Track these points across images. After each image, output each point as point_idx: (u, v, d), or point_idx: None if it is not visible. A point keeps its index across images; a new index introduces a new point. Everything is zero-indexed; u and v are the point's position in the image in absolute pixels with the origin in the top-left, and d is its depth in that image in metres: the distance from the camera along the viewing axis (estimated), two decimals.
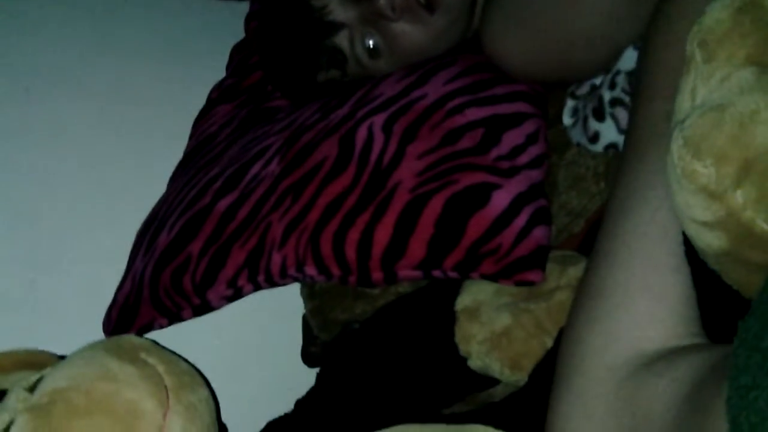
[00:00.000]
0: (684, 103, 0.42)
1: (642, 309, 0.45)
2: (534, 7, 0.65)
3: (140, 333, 0.74)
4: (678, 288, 0.45)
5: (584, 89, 0.70)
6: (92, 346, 0.56)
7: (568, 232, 0.69)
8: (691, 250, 0.45)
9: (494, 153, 0.65)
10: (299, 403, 0.71)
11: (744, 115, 0.38)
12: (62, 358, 0.59)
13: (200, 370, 0.63)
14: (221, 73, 0.94)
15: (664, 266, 0.46)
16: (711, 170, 0.39)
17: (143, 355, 0.55)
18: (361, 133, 0.69)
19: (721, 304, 0.45)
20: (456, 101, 0.68)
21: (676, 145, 0.40)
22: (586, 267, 0.50)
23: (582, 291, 0.49)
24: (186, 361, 0.60)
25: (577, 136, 0.69)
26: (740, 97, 0.38)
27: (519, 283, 0.61)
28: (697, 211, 0.40)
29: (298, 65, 0.77)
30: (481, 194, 0.63)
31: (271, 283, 0.70)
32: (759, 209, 0.38)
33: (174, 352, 0.60)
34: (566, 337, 0.49)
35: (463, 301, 0.64)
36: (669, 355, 0.43)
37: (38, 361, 0.59)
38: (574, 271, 0.61)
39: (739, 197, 0.39)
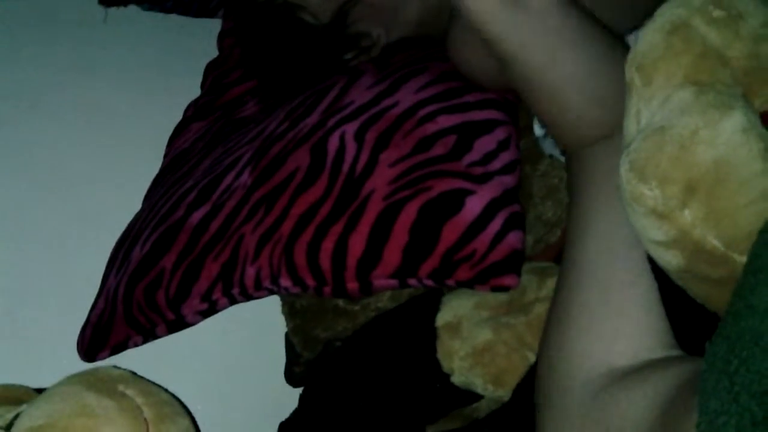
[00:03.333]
0: (630, 126, 0.43)
1: (607, 326, 0.46)
2: None
3: (114, 351, 0.73)
4: (640, 301, 0.46)
5: None
6: (69, 380, 0.56)
7: (545, 243, 0.69)
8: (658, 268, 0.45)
9: (467, 159, 0.63)
10: (283, 426, 0.69)
11: (684, 137, 0.38)
12: (39, 391, 0.58)
13: (181, 398, 0.60)
14: (196, 91, 0.90)
15: (621, 282, 0.47)
16: (656, 192, 0.40)
17: (121, 388, 0.54)
18: (333, 142, 0.66)
19: (692, 316, 0.45)
20: (427, 109, 0.66)
21: (623, 169, 0.41)
22: (554, 292, 0.52)
23: (551, 316, 0.51)
24: (166, 390, 0.59)
25: (548, 147, 0.68)
26: (680, 118, 0.39)
27: (495, 289, 0.59)
28: (651, 232, 0.41)
29: (283, 45, 0.76)
30: (455, 200, 0.61)
31: (246, 296, 0.67)
32: (708, 227, 0.39)
33: (153, 382, 0.59)
34: (541, 360, 0.50)
35: (444, 317, 0.64)
36: (641, 369, 0.44)
37: (14, 396, 0.58)
38: (553, 283, 0.60)
39: (687, 216, 0.39)
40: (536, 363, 0.57)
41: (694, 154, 0.38)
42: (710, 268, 0.40)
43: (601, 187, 0.50)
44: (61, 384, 0.55)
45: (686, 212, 0.39)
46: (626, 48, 0.49)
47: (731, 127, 0.38)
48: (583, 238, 0.50)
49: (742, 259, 0.39)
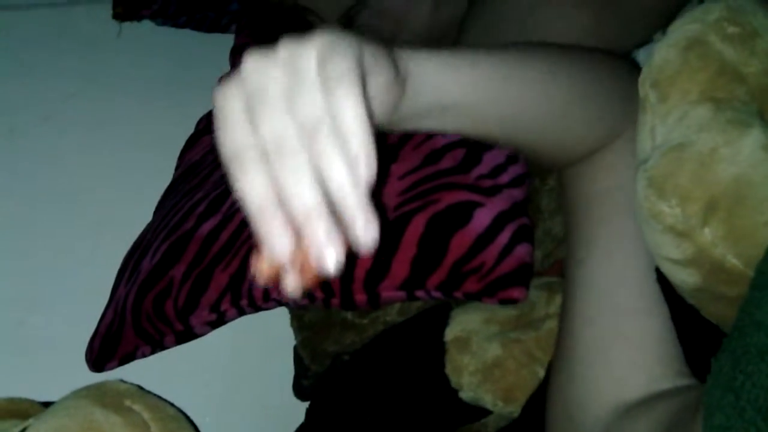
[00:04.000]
0: (645, 142, 0.42)
1: (618, 359, 0.45)
2: (504, 29, 0.64)
3: (123, 362, 0.72)
4: (651, 330, 0.45)
5: None
6: (76, 395, 0.55)
7: (554, 258, 0.68)
8: (669, 286, 0.44)
9: (476, 172, 0.62)
10: None
11: (704, 154, 0.38)
12: (46, 405, 0.58)
13: (188, 410, 0.59)
14: (208, 105, 0.90)
15: (632, 311, 0.46)
16: (677, 210, 0.39)
17: (128, 403, 0.54)
18: None
19: (704, 338, 0.44)
20: None
21: (641, 185, 0.40)
22: (559, 324, 0.50)
23: (559, 350, 0.49)
24: (172, 405, 0.59)
25: None
26: (699, 134, 0.38)
27: (503, 301, 0.58)
28: (668, 249, 0.40)
29: None
30: (464, 212, 0.60)
31: (255, 308, 0.66)
32: (728, 245, 0.38)
33: (160, 397, 0.57)
34: (552, 386, 0.49)
35: (453, 332, 0.63)
36: (649, 400, 0.43)
37: (21, 410, 0.58)
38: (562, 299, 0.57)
39: (707, 235, 0.38)
40: (546, 380, 0.56)
41: (715, 172, 0.37)
42: (727, 286, 0.40)
43: (602, 209, 0.49)
44: (67, 398, 0.54)
45: (706, 230, 0.38)
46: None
47: (751, 145, 0.37)
48: (589, 261, 0.48)
49: None
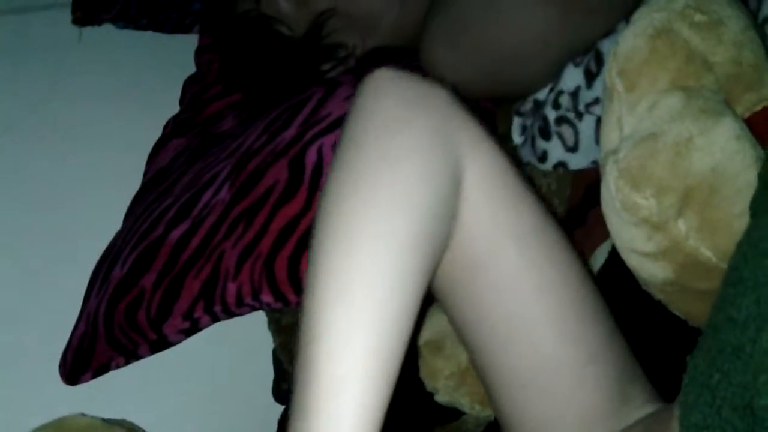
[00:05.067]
0: (611, 133, 0.40)
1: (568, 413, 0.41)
2: (465, 26, 0.62)
3: (97, 374, 0.70)
4: (601, 376, 0.41)
5: (528, 105, 0.67)
6: None
7: None
8: (632, 283, 0.42)
9: None
10: None
11: (679, 144, 0.36)
12: None
13: (167, 416, 0.56)
14: (174, 107, 0.88)
15: (569, 367, 0.41)
16: (651, 201, 0.37)
17: None
18: (311, 156, 0.64)
19: (669, 335, 0.43)
20: None
21: (611, 176, 0.38)
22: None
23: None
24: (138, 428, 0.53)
25: (527, 155, 0.67)
26: (671, 124, 0.37)
27: None
28: (639, 242, 0.39)
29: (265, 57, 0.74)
30: None
31: (229, 314, 0.64)
32: (702, 237, 0.37)
33: (125, 422, 0.53)
34: None
35: (425, 335, 0.61)
36: None
37: None
38: None
39: (681, 226, 0.37)
40: None
41: (691, 162, 0.36)
42: (700, 280, 0.39)
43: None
44: None
45: (680, 222, 0.37)
46: None
47: (725, 134, 0.36)
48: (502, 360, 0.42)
49: None
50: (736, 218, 0.36)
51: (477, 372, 0.44)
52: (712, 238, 0.37)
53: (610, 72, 0.41)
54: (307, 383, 0.34)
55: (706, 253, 0.37)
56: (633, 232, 0.39)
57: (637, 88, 0.39)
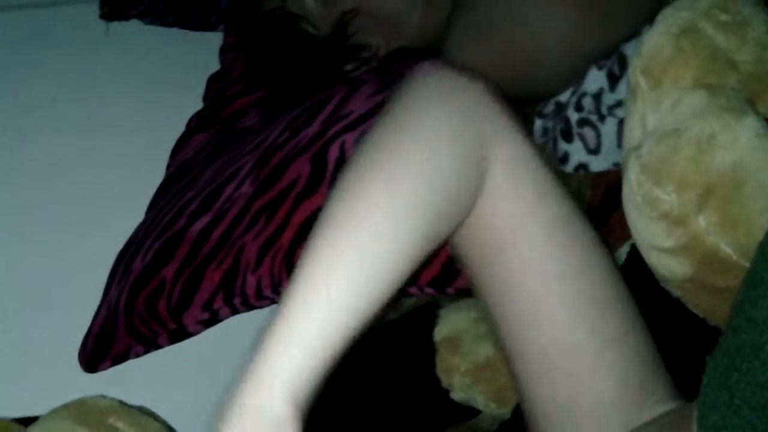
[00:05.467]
0: (634, 129, 0.41)
1: (591, 398, 0.41)
2: (489, 27, 0.62)
3: (116, 362, 0.70)
4: (626, 358, 0.41)
5: (549, 107, 0.67)
6: (57, 414, 0.53)
7: None
8: (652, 283, 0.43)
9: None
10: None
11: (701, 140, 0.37)
12: (25, 422, 0.55)
13: (177, 410, 0.57)
14: (198, 103, 0.88)
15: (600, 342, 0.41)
16: (673, 196, 0.38)
17: (111, 420, 0.52)
18: (333, 152, 0.64)
19: (689, 335, 0.43)
20: None
21: (633, 172, 0.39)
22: None
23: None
24: (156, 418, 0.57)
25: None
26: (694, 121, 0.37)
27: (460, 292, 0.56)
28: (659, 238, 0.39)
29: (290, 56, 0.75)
30: None
31: (248, 306, 0.65)
32: (722, 233, 0.37)
33: (143, 411, 0.56)
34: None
35: (442, 331, 0.61)
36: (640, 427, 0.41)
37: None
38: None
39: (701, 222, 0.37)
40: None
41: (713, 158, 0.36)
42: (718, 276, 0.39)
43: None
44: (48, 419, 0.52)
45: (701, 218, 0.37)
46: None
47: (747, 132, 0.36)
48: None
49: None
50: (757, 215, 0.36)
51: (505, 353, 0.44)
52: (733, 235, 0.37)
53: (635, 70, 0.41)
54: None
55: (726, 249, 0.37)
56: (653, 228, 0.39)
57: (661, 86, 0.39)
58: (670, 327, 0.44)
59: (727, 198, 0.37)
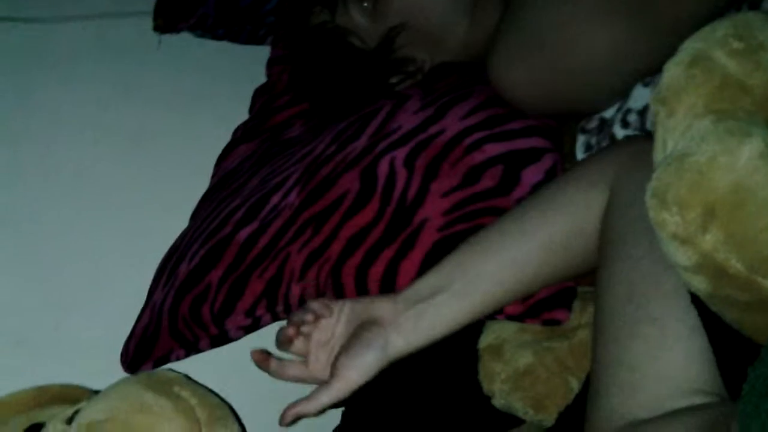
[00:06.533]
0: (658, 155, 0.43)
1: (623, 380, 0.46)
2: (535, 43, 0.64)
3: (157, 364, 0.73)
4: (654, 351, 0.45)
5: (593, 123, 0.68)
6: (127, 380, 0.57)
7: None
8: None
9: (516, 194, 0.64)
10: None
11: (701, 163, 0.39)
12: (96, 393, 0.59)
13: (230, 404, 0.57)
14: (244, 114, 0.90)
15: (663, 320, 0.45)
16: (677, 218, 0.40)
17: (177, 389, 0.56)
18: (383, 168, 0.65)
19: (729, 344, 0.45)
20: (474, 137, 0.67)
21: (647, 196, 0.41)
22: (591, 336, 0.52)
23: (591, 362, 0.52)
24: (217, 395, 0.60)
25: None
26: (699, 145, 0.40)
27: (546, 323, 0.60)
28: (677, 257, 0.41)
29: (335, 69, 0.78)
30: None
31: (290, 314, 0.64)
32: (730, 250, 0.39)
33: (206, 387, 0.60)
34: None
35: (486, 339, 0.63)
36: (662, 418, 0.43)
37: (73, 396, 0.59)
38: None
39: (709, 241, 0.39)
40: (582, 391, 0.55)
41: (712, 179, 0.39)
42: (737, 292, 0.41)
43: (636, 226, 0.49)
44: (118, 383, 0.56)
45: (707, 237, 0.39)
46: None
47: (749, 153, 0.38)
48: (622, 274, 0.49)
49: (766, 282, 0.39)
50: (761, 232, 0.38)
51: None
52: (740, 251, 0.39)
53: (655, 101, 0.44)
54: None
55: (736, 265, 0.39)
56: (669, 248, 0.42)
57: (676, 113, 0.42)
58: (715, 338, 0.45)
59: (730, 217, 0.39)
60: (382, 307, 0.55)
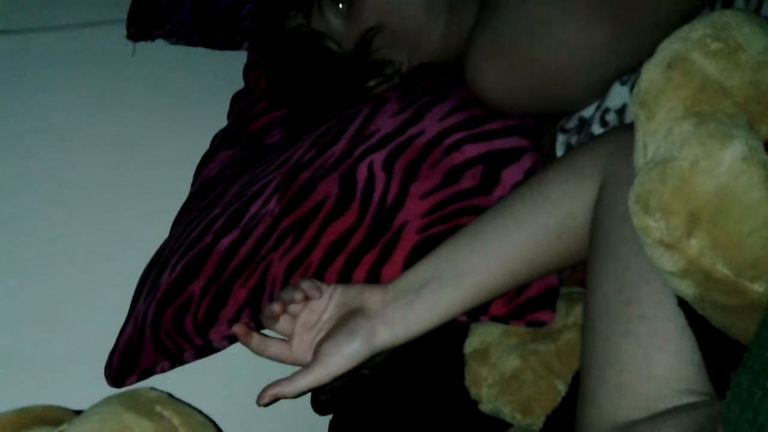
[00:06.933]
0: (639, 159, 0.43)
1: (612, 382, 0.46)
2: (512, 43, 0.64)
3: (142, 377, 0.73)
4: (673, 337, 0.44)
5: (573, 122, 0.68)
6: (107, 401, 0.56)
7: (571, 268, 0.67)
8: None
9: (497, 193, 0.62)
10: None
11: (684, 168, 0.39)
12: (78, 413, 0.58)
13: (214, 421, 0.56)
14: (222, 121, 0.88)
15: (652, 318, 0.45)
16: (661, 224, 0.39)
17: (158, 408, 0.54)
18: (362, 172, 0.64)
19: (721, 345, 0.44)
20: (453, 138, 0.66)
21: (630, 201, 0.41)
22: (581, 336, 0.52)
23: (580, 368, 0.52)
24: (200, 412, 0.59)
25: None
26: (681, 149, 0.39)
27: (530, 324, 0.58)
28: (662, 262, 0.41)
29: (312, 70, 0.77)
30: None
31: None
32: (716, 255, 0.39)
33: (188, 404, 0.59)
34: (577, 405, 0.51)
35: (472, 344, 0.63)
36: (653, 418, 0.43)
37: (54, 417, 0.58)
38: (580, 309, 0.58)
39: (694, 246, 0.39)
40: (569, 394, 0.56)
41: (695, 184, 0.38)
42: (724, 296, 0.40)
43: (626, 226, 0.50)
44: (99, 405, 0.55)
45: (693, 242, 0.39)
46: None
47: (731, 156, 0.38)
48: (611, 272, 0.49)
49: (754, 286, 0.39)
50: (747, 236, 0.38)
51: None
52: (725, 256, 0.39)
53: (634, 103, 0.43)
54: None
55: (723, 269, 0.39)
56: (654, 254, 0.41)
57: (656, 117, 0.41)
58: (702, 340, 0.45)
59: (715, 222, 0.38)
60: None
